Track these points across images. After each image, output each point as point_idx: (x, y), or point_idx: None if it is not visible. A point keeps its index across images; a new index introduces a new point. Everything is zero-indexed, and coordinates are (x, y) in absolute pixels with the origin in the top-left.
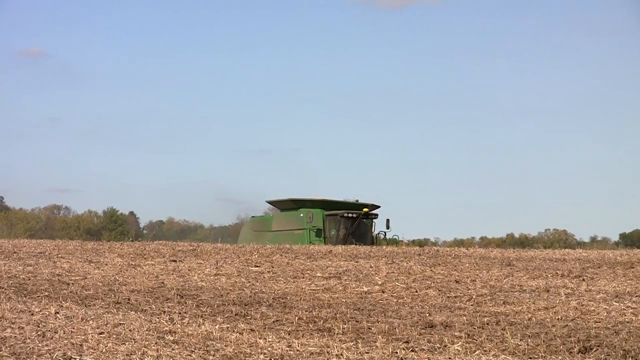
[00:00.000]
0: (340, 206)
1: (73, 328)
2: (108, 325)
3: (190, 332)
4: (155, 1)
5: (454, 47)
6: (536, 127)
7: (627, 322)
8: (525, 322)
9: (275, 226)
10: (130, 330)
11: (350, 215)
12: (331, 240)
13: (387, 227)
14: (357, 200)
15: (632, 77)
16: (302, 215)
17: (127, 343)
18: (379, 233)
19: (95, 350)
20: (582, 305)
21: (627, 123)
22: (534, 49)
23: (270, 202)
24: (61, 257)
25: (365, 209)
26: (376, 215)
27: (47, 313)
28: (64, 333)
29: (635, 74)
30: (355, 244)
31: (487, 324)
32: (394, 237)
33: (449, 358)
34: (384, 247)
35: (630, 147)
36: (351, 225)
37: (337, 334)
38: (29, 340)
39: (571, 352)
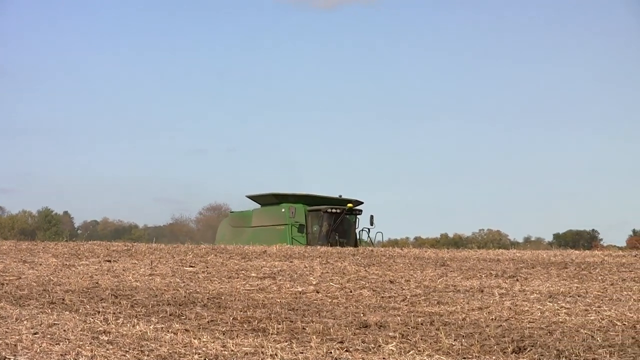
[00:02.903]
0: (323, 201)
1: (7, 328)
2: (42, 326)
3: (124, 332)
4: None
5: (386, 47)
6: (468, 128)
7: (561, 322)
8: (459, 322)
9: (255, 222)
10: (64, 331)
11: (333, 210)
12: (314, 236)
13: (371, 224)
14: (340, 196)
15: (569, 77)
16: (283, 210)
17: (61, 343)
18: (362, 229)
19: (29, 350)
20: (516, 305)
21: (559, 125)
22: (468, 48)
23: (250, 197)
24: None
25: (349, 205)
26: (360, 211)
27: None
28: None
29: (567, 74)
30: (338, 240)
31: (422, 324)
32: (378, 233)
33: (383, 358)
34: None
35: (563, 148)
36: (334, 221)
37: (272, 334)
38: None
39: (505, 352)
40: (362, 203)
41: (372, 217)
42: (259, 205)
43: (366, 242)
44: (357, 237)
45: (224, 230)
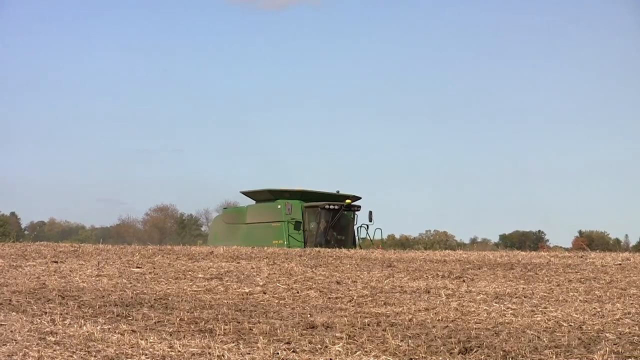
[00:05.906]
0: (320, 197)
1: None
2: None
3: (71, 333)
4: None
5: (334, 47)
6: (415, 128)
7: (507, 323)
8: (406, 323)
9: (249, 218)
10: (11, 332)
11: (331, 207)
12: (311, 234)
13: (370, 220)
14: (338, 192)
15: (517, 77)
16: (279, 206)
17: (8, 344)
18: (360, 226)
19: None
20: (463, 306)
21: (505, 126)
22: (421, 50)
23: (245, 193)
24: None
25: (347, 201)
26: (359, 207)
27: None
28: None
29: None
30: (337, 237)
31: (368, 324)
32: (377, 230)
33: (330, 359)
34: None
35: (509, 149)
36: (332, 218)
37: (219, 334)
38: None
39: (451, 353)
40: (359, 198)
41: (370, 213)
42: (255, 201)
43: (366, 241)
44: (356, 234)
45: (217, 226)
